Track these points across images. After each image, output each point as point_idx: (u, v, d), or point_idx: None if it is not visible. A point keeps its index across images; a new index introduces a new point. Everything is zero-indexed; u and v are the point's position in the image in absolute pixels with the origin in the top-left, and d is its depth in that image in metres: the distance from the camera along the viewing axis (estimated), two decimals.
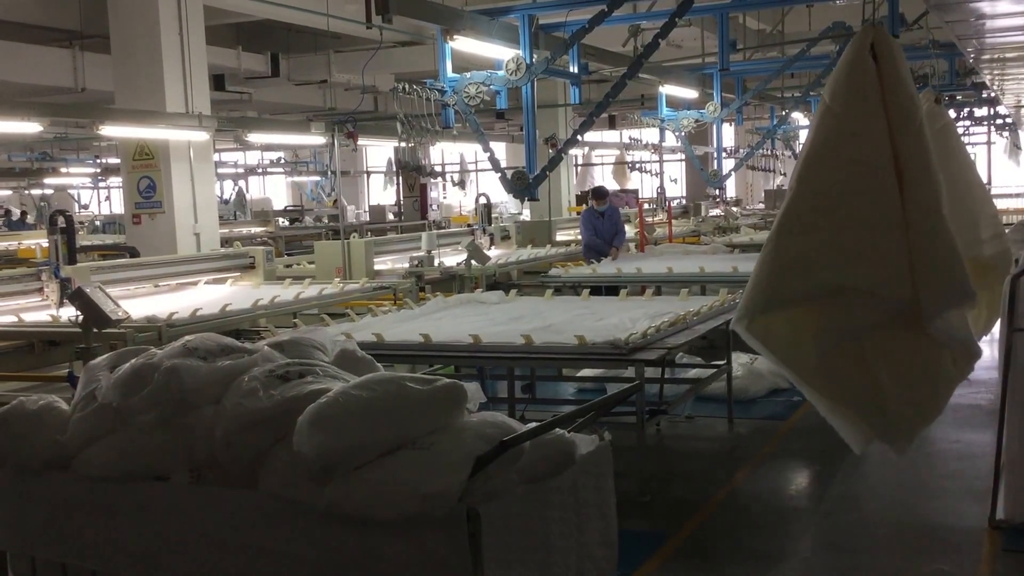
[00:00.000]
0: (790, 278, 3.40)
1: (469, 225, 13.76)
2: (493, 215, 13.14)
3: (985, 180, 22.89)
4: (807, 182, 3.44)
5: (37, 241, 15.02)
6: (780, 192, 21.70)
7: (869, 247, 3.34)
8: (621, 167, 25.16)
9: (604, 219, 11.41)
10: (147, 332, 6.17)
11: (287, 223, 21.26)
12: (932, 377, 3.50)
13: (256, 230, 18.17)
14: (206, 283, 8.87)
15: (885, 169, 3.37)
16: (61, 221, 7.50)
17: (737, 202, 22.56)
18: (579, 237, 14.58)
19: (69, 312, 6.48)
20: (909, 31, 9.27)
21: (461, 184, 24.16)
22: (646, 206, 17.89)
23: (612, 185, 23.97)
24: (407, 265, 10.15)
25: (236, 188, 25.25)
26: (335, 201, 17.31)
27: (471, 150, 22.95)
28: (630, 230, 13.53)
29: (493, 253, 11.57)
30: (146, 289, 8.34)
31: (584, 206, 17.44)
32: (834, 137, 3.42)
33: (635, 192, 23.63)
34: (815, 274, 3.37)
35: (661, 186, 19.92)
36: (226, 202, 23.55)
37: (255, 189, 29.81)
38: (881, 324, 3.37)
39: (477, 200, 12.78)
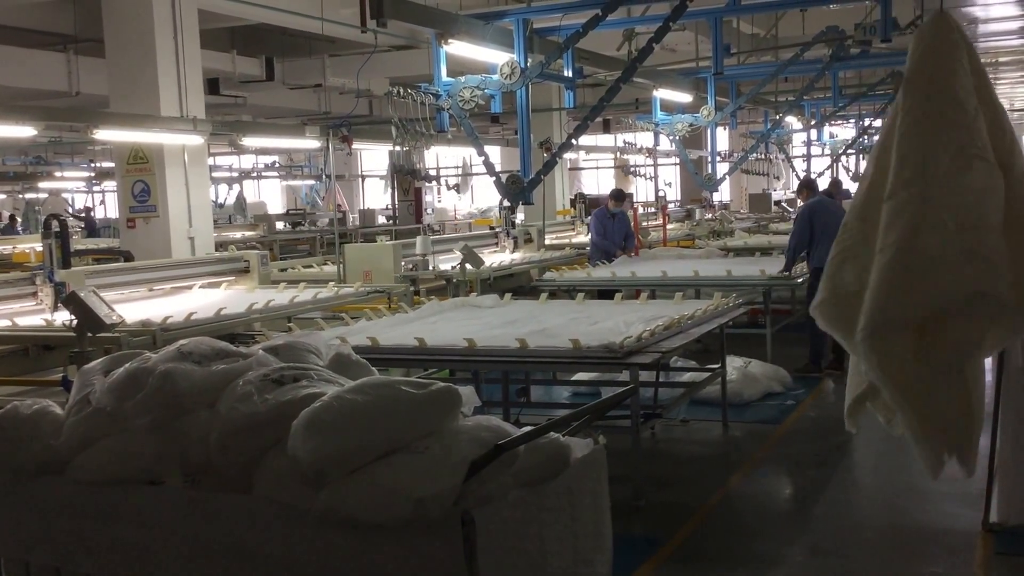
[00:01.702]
0: (925, 285, 3.17)
1: (492, 228, 13.84)
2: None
3: None
4: (930, 182, 3.21)
5: (31, 245, 15.00)
6: (765, 197, 21.80)
7: (993, 248, 3.20)
8: (622, 171, 25.22)
9: (615, 221, 11.52)
10: (141, 336, 6.16)
11: (290, 226, 21.23)
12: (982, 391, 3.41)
13: (247, 234, 18.15)
14: (200, 287, 8.86)
15: (996, 166, 3.23)
16: (55, 225, 7.48)
17: (725, 207, 22.57)
18: (571, 240, 14.67)
19: (63, 316, 6.47)
20: (902, 35, 9.30)
21: (456, 188, 24.17)
22: (649, 209, 17.94)
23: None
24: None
25: (234, 191, 25.24)
26: (338, 205, 17.32)
27: (471, 154, 22.97)
28: None
29: (517, 256, 11.75)
30: (140, 293, 8.33)
31: (573, 210, 17.55)
32: (947, 135, 3.23)
33: (629, 196, 23.67)
34: (949, 279, 3.16)
35: (661, 190, 20.01)
36: (220, 206, 23.53)
37: (249, 193, 29.79)
38: (1001, 334, 3.24)
39: (500, 203, 12.85)
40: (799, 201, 9.90)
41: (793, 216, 10.80)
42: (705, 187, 15.02)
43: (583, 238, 14.92)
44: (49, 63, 13.40)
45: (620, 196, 11.85)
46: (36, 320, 6.97)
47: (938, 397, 3.30)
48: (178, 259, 9.81)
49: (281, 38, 15.29)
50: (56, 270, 7.25)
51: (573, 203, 18.17)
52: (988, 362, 6.59)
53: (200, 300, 8.15)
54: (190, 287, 8.80)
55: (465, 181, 24.50)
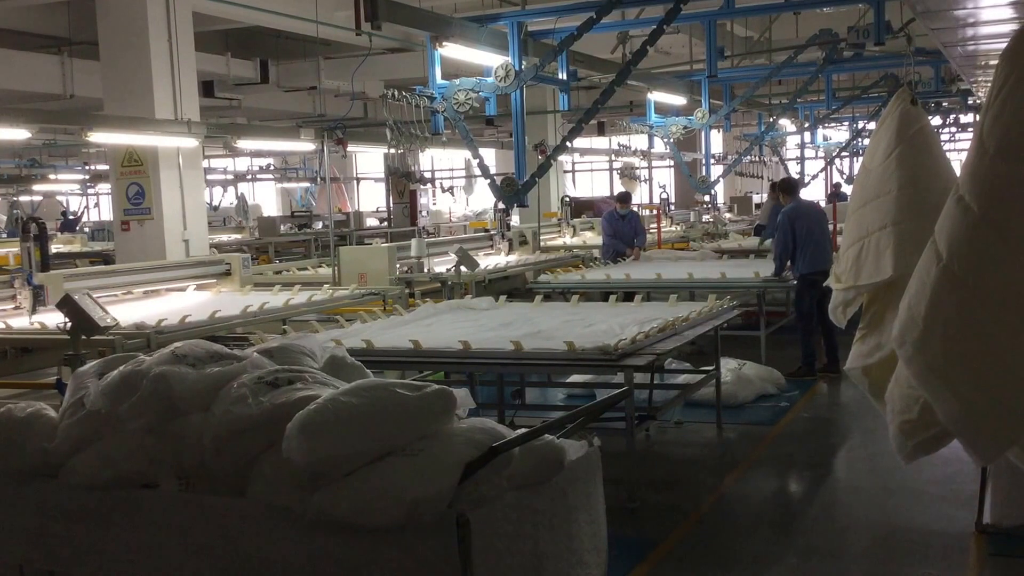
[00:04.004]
0: None
1: (486, 230, 13.92)
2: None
3: None
4: None
5: (11, 249, 14.91)
6: (747, 199, 21.93)
7: None
8: (628, 175, 25.25)
9: (624, 222, 12.05)
10: (136, 339, 6.16)
11: (297, 228, 21.22)
12: None
13: (235, 236, 18.11)
14: (195, 289, 8.86)
15: None
16: (34, 228, 7.44)
17: (729, 209, 22.63)
18: (566, 242, 14.75)
19: (41, 319, 6.46)
20: (894, 38, 9.33)
21: (451, 191, 24.07)
22: (649, 212, 17.98)
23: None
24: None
25: (229, 193, 25.20)
26: (338, 208, 17.31)
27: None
28: None
29: (512, 258, 11.91)
30: (134, 295, 8.33)
31: (559, 213, 17.74)
32: None
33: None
34: None
35: (664, 192, 20.13)
36: (215, 208, 23.50)
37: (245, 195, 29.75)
38: None
39: (495, 206, 12.91)
40: (769, 200, 9.97)
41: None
42: (699, 189, 15.04)
43: (570, 239, 15.03)
44: (43, 65, 13.37)
45: (627, 198, 12.43)
46: (14, 323, 6.92)
47: None
48: (159, 262, 9.74)
49: (276, 40, 15.28)
50: (35, 273, 7.22)
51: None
52: None
53: (194, 302, 8.14)
54: (183, 289, 8.79)
55: (469, 183, 24.49)
